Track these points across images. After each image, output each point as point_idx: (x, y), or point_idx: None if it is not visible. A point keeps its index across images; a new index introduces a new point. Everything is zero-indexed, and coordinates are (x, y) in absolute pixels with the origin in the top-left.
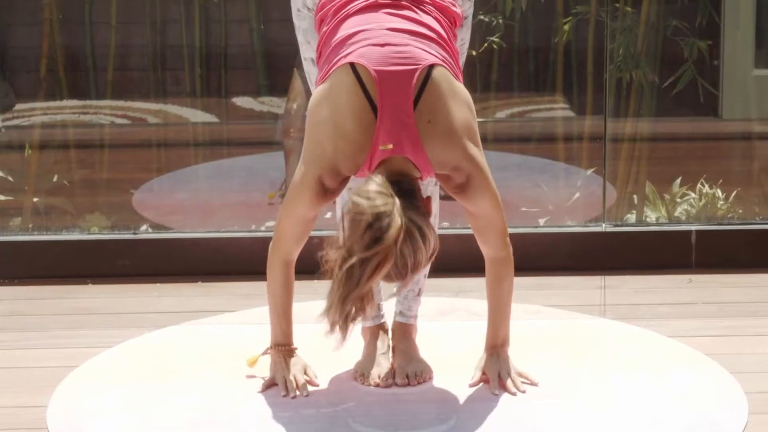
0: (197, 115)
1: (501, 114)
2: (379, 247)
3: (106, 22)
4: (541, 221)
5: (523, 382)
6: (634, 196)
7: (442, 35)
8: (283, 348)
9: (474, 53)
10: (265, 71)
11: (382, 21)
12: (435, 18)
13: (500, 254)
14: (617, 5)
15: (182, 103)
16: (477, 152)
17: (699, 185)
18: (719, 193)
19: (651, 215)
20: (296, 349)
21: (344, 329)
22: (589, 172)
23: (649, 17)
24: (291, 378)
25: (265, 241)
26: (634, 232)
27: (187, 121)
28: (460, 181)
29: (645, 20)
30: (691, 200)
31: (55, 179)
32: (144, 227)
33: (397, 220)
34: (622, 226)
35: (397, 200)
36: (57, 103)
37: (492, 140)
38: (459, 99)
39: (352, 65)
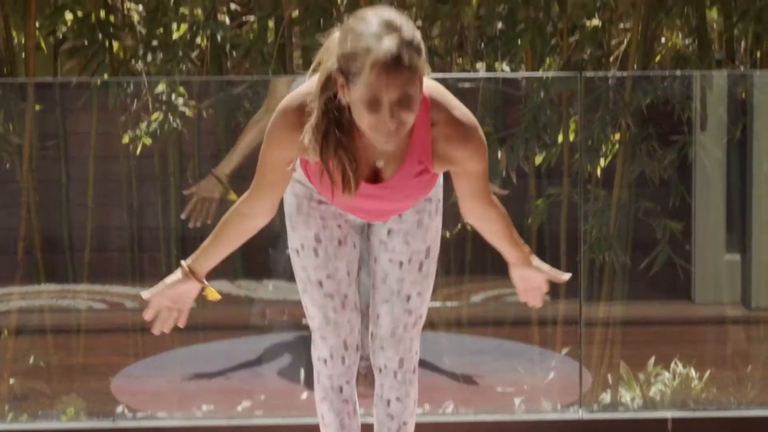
0: None
1: (476, 298)
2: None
3: (83, 204)
4: (517, 401)
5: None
6: (609, 376)
7: None
8: (188, 271)
9: (447, 235)
10: (241, 253)
11: None
12: None
13: (489, 210)
14: (589, 187)
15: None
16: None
17: (673, 365)
18: (693, 373)
19: (626, 395)
20: (200, 284)
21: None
22: (564, 351)
23: (620, 199)
24: (164, 313)
25: (242, 429)
26: (611, 419)
27: None
28: (461, 134)
29: (617, 202)
30: (666, 380)
31: (31, 361)
32: (121, 408)
33: None
34: (598, 411)
35: None
36: (35, 288)
37: (467, 324)
38: None
39: None
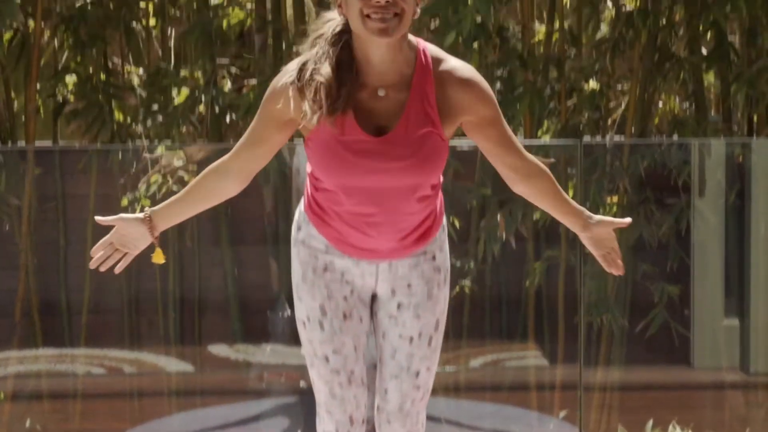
0: (172, 364)
1: (474, 363)
2: None
3: (80, 266)
4: None
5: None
6: None
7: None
8: (148, 217)
9: None
10: (239, 316)
11: None
12: None
13: (530, 163)
14: (586, 252)
15: (158, 351)
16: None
17: (671, 428)
18: None
19: None
20: (151, 236)
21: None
22: (562, 415)
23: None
24: (108, 251)
25: None
26: None
27: (162, 370)
28: (470, 84)
29: None
30: None
31: (27, 425)
32: None
33: None
34: None
35: None
36: (32, 352)
37: (465, 389)
38: None
39: None
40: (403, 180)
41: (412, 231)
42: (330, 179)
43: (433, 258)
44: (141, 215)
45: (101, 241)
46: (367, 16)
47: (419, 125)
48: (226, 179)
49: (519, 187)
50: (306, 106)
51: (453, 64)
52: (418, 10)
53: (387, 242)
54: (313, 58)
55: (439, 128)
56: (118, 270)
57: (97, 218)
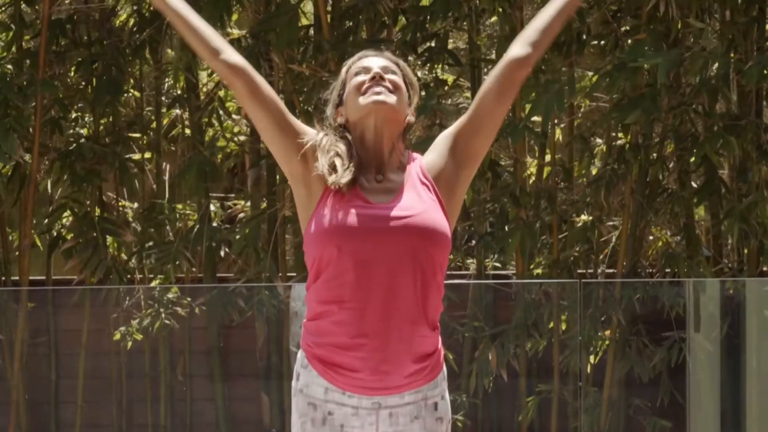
0: None
1: None
2: None
3: (72, 401)
4: None
5: None
6: None
7: None
8: None
9: None
10: None
11: None
12: None
13: (504, 60)
14: (580, 384)
15: None
16: None
17: None
18: None
19: None
20: None
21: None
22: None
23: (611, 396)
24: None
25: None
26: None
27: None
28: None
29: (607, 399)
30: None
31: None
32: None
33: None
34: None
35: None
36: None
37: None
38: None
39: None
40: (403, 240)
41: (413, 339)
42: (330, 239)
43: (435, 408)
44: None
45: None
46: (365, 93)
47: (419, 194)
48: (221, 43)
49: (527, 50)
50: (322, 161)
51: None
52: (412, 117)
53: (386, 351)
54: (329, 136)
55: (438, 196)
56: None
57: None
